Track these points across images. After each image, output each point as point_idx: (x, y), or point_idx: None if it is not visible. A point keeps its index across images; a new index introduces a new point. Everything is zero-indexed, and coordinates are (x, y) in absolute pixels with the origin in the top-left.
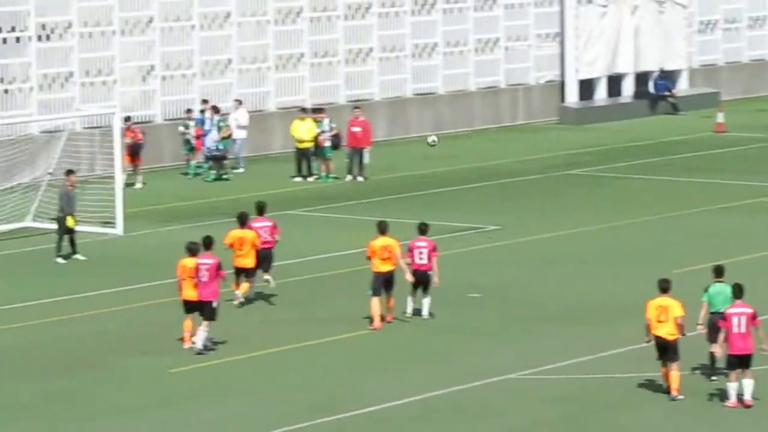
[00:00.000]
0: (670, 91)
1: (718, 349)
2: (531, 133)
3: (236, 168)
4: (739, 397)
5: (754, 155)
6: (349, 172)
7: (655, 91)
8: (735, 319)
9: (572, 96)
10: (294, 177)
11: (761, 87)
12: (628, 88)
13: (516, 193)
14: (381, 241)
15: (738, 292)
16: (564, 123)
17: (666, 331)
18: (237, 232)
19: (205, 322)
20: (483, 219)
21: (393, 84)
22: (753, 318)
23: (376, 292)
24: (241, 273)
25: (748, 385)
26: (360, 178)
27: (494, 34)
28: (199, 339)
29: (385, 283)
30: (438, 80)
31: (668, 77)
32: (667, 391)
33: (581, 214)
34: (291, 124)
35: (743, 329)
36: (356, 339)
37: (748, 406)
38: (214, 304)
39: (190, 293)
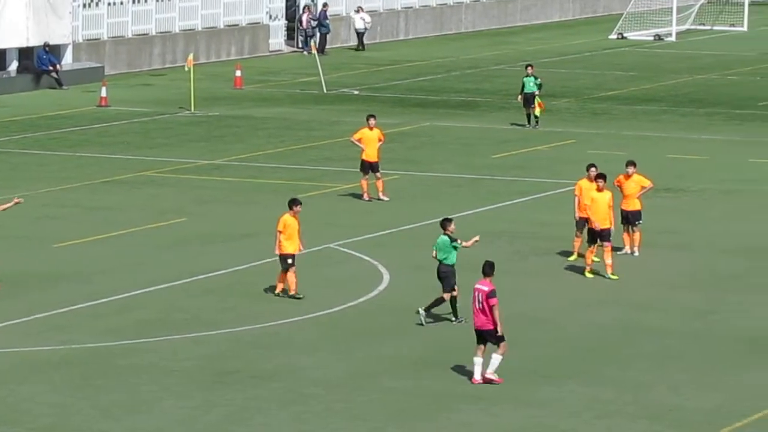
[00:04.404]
0: (54, 65)
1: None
2: None
3: None
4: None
5: (136, 129)
6: None
7: (39, 66)
8: (475, 295)
9: None
10: None
11: (144, 62)
12: (12, 62)
13: None
14: None
15: (487, 269)
16: None
17: None
18: None
19: None
20: None
21: None
22: (488, 297)
23: None
24: None
25: (494, 361)
26: None
27: None
28: None
29: None
30: None
31: (52, 52)
32: None
33: None
34: None
35: (478, 305)
36: None
37: (489, 381)
38: None
39: None
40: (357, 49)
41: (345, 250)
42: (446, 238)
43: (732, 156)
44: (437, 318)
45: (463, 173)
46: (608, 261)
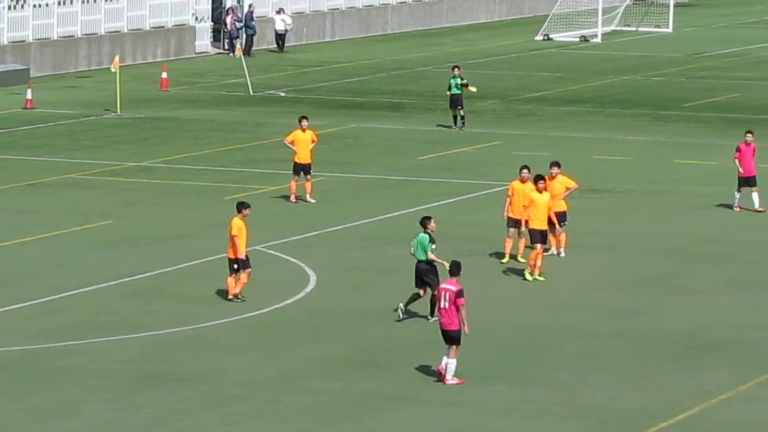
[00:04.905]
0: None
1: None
2: None
3: None
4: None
5: (62, 132)
6: None
7: None
8: (442, 294)
9: None
10: None
11: (70, 64)
12: None
13: None
14: None
15: (455, 269)
16: None
17: None
18: None
19: None
20: None
21: None
22: (456, 296)
23: None
24: None
25: (451, 366)
26: None
27: None
28: None
29: None
30: None
31: None
32: None
33: None
34: None
35: (445, 305)
36: None
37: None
38: None
39: None
40: (277, 51)
41: (272, 252)
42: (426, 236)
43: (657, 157)
44: (412, 315)
45: (390, 175)
46: (538, 262)
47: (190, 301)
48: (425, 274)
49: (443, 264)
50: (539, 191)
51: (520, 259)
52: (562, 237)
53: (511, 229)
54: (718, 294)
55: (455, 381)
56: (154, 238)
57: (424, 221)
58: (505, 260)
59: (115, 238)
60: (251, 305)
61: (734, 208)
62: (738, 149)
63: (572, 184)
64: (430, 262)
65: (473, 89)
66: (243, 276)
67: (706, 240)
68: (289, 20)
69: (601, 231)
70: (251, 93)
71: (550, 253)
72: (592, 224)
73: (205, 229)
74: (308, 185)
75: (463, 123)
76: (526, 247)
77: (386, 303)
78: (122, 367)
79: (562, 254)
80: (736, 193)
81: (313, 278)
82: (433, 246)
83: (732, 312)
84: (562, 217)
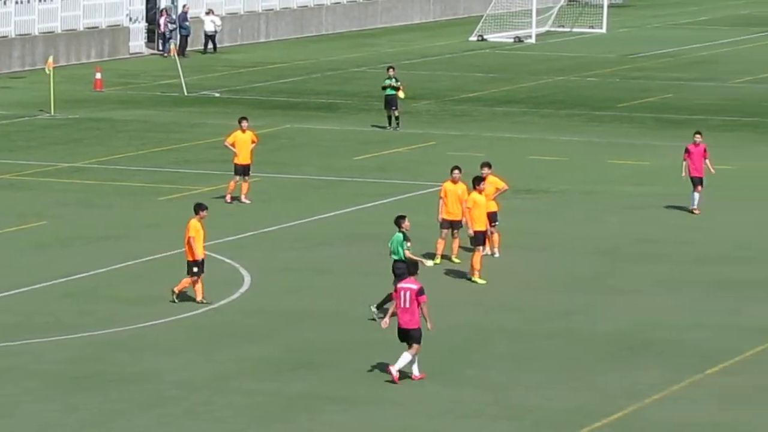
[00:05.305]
0: None
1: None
2: None
3: None
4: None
5: None
6: None
7: None
8: (401, 294)
9: None
10: None
11: (3, 64)
12: None
13: None
14: None
15: (412, 268)
16: None
17: None
18: None
19: None
20: None
21: None
22: (417, 294)
23: None
24: None
25: (404, 359)
26: None
27: None
28: None
29: None
30: None
31: None
32: None
33: None
34: None
35: (405, 304)
36: None
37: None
38: None
39: None
40: (204, 52)
41: (206, 252)
42: (400, 235)
43: (591, 157)
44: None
45: (324, 175)
46: (477, 266)
47: (125, 301)
48: (400, 273)
49: (421, 261)
50: (480, 192)
51: (454, 259)
52: (495, 237)
53: (444, 230)
54: (651, 294)
55: (395, 374)
56: (88, 238)
57: (399, 220)
58: (437, 261)
59: (49, 239)
60: (186, 306)
61: (692, 209)
62: (687, 150)
63: (502, 185)
64: (406, 261)
65: (401, 95)
66: (198, 282)
67: (639, 240)
68: (218, 21)
69: (535, 231)
70: (186, 93)
71: (485, 253)
72: (526, 224)
73: (140, 230)
74: (245, 186)
75: (398, 123)
76: (459, 247)
77: (321, 303)
78: (58, 368)
79: (497, 254)
80: (693, 193)
81: (247, 279)
82: (408, 244)
83: (665, 312)
84: (493, 217)
